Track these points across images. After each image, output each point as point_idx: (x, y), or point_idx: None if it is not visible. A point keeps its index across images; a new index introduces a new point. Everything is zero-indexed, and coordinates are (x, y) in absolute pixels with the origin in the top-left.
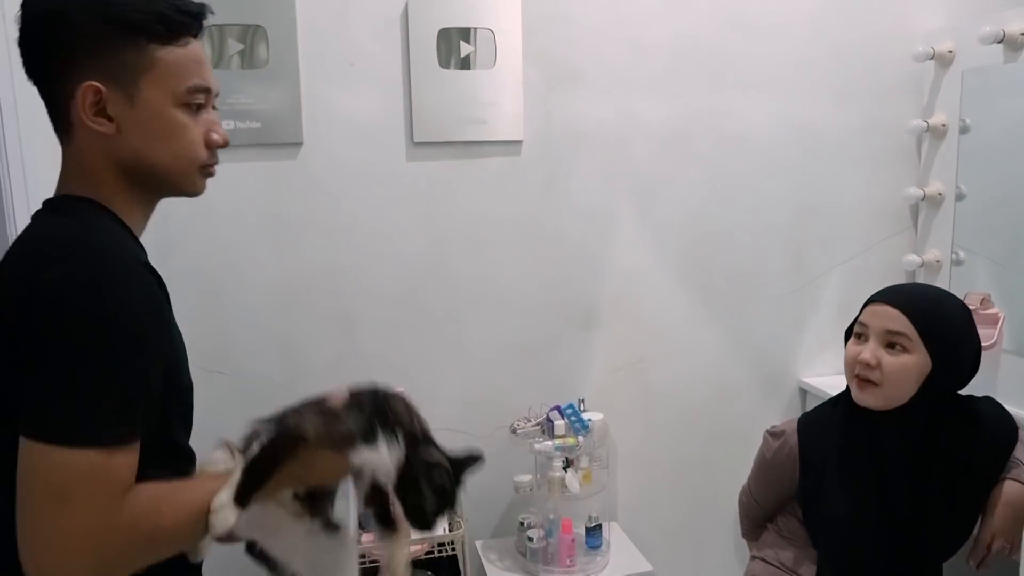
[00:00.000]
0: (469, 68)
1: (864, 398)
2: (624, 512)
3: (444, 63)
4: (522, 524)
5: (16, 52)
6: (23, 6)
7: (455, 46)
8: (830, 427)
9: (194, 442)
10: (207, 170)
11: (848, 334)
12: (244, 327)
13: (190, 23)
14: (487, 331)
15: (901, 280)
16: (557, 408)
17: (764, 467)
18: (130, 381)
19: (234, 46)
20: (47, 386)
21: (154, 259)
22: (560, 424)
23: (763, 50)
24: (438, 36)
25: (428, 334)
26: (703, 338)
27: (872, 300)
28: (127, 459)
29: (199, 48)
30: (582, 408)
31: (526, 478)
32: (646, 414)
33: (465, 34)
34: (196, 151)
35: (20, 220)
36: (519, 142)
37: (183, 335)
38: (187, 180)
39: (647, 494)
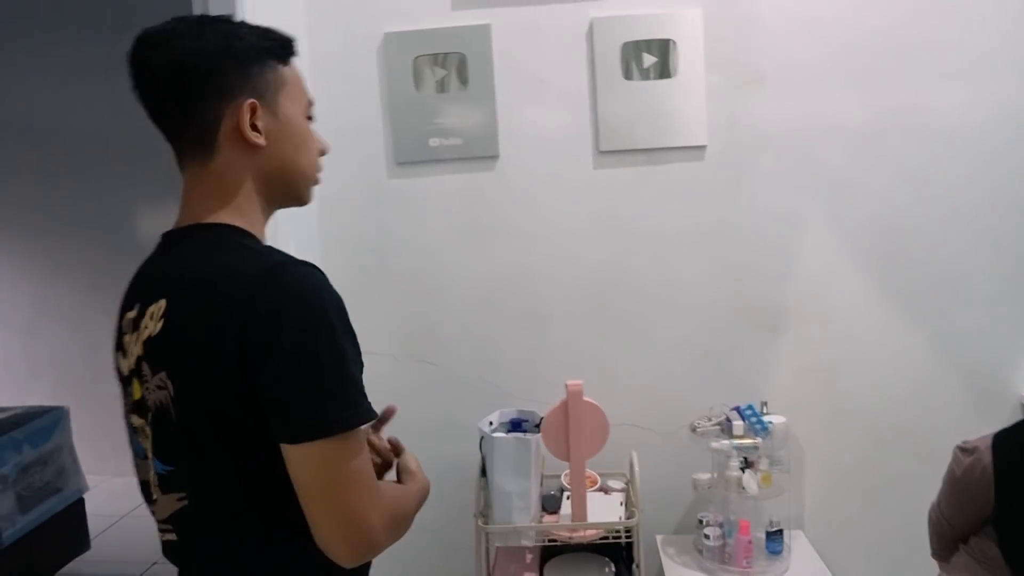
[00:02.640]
0: (651, 78)
1: None
2: (812, 521)
3: (627, 74)
4: (700, 522)
5: None
6: (143, 58)
7: (638, 58)
8: None
9: (409, 422)
10: (318, 178)
11: None
12: (449, 322)
13: (292, 47)
14: (672, 332)
15: None
16: (737, 409)
17: (954, 485)
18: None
19: (438, 72)
20: (311, 386)
21: (376, 261)
22: (739, 424)
23: (965, 35)
24: (621, 49)
25: (614, 333)
26: (903, 346)
27: None
28: None
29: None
30: (764, 411)
31: (704, 476)
32: (837, 422)
33: (647, 46)
34: (315, 161)
35: None
36: (703, 147)
37: (402, 328)
38: (309, 188)
39: (838, 505)
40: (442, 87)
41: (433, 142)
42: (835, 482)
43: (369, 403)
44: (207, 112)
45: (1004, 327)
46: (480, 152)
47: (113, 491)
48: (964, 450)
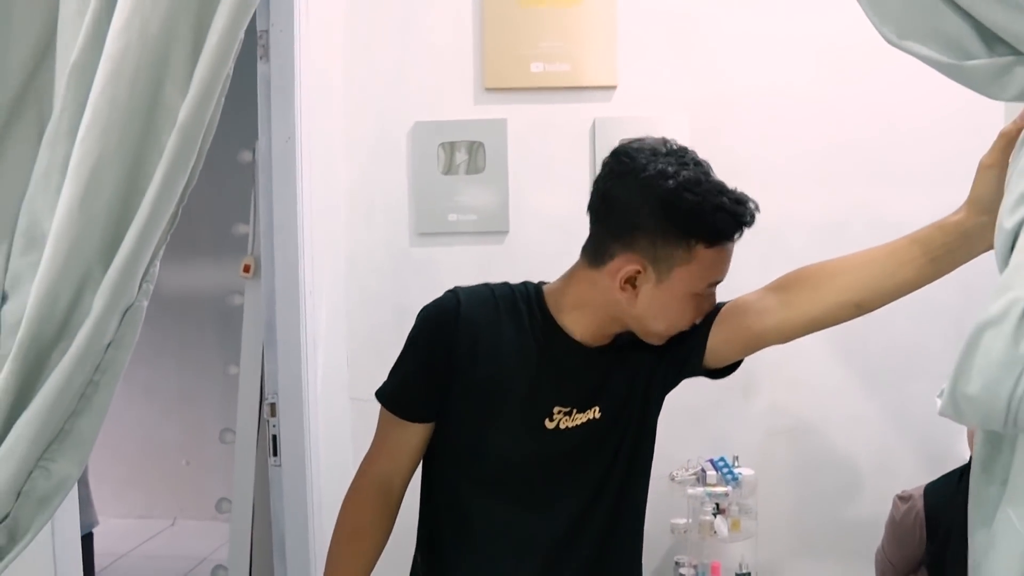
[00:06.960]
0: None
1: None
2: (776, 569)
3: None
4: (677, 564)
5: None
6: (609, 158)
7: None
8: (956, 494)
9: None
10: (666, 337)
11: None
12: None
13: (737, 231)
14: None
15: None
16: (711, 460)
17: (893, 530)
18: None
19: (459, 157)
20: None
21: (395, 319)
22: (712, 474)
23: (912, 145)
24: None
25: None
26: (862, 411)
27: None
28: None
29: (731, 248)
30: (736, 464)
31: (681, 521)
32: (801, 479)
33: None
34: (683, 324)
35: None
36: None
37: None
38: (652, 338)
39: (800, 557)
40: (462, 169)
41: (451, 217)
42: (797, 535)
43: (391, 392)
44: (609, 243)
45: None
46: (492, 228)
47: (111, 531)
48: (901, 498)
